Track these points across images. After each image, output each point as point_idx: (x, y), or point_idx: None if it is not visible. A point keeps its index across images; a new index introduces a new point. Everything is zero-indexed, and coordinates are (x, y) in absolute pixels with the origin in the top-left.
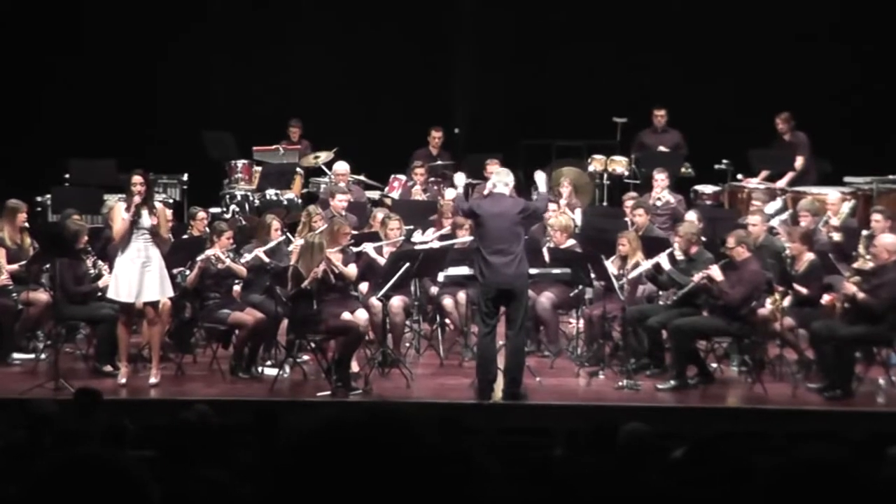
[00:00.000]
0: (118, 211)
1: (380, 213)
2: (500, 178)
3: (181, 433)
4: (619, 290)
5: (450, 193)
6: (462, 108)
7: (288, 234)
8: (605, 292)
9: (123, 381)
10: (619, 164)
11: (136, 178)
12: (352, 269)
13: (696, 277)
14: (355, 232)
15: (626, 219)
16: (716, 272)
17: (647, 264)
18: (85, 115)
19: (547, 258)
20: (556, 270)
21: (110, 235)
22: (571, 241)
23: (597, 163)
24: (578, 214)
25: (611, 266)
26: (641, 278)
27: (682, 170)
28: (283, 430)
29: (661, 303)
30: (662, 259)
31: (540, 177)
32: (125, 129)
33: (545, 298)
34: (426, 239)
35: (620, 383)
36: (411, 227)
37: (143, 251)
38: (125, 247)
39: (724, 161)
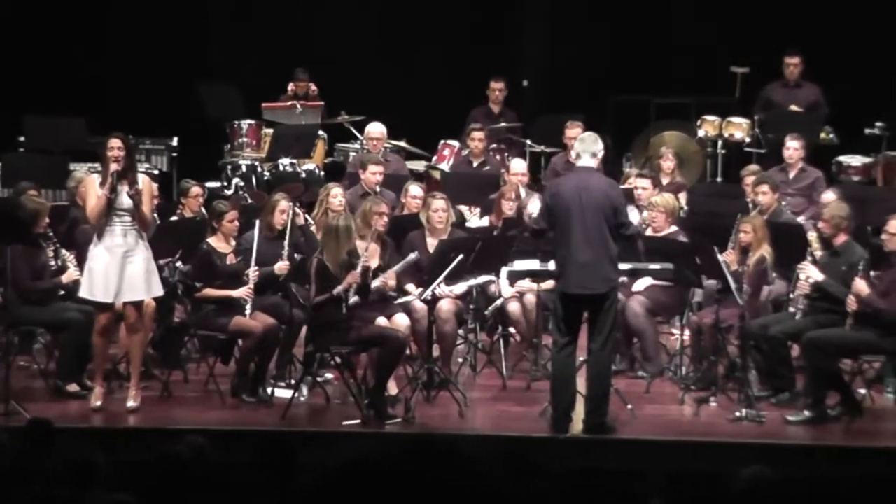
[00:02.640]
0: (90, 185)
1: (412, 187)
2: (585, 147)
3: (167, 472)
4: (737, 293)
5: (517, 164)
6: (533, 54)
7: (307, 215)
8: (718, 295)
9: (98, 403)
10: (738, 128)
11: (114, 143)
12: (390, 272)
13: (850, 300)
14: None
15: (747, 199)
16: (861, 286)
17: (810, 272)
18: (45, 60)
19: (642, 250)
20: (655, 266)
21: (78, 216)
22: (674, 228)
23: (708, 126)
24: (684, 194)
25: (726, 261)
26: (769, 277)
27: (822, 135)
28: (300, 471)
29: (791, 309)
30: (814, 272)
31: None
32: (97, 79)
33: (638, 303)
34: (483, 223)
35: (738, 413)
36: (465, 207)
37: (125, 238)
38: (102, 232)
39: (878, 124)
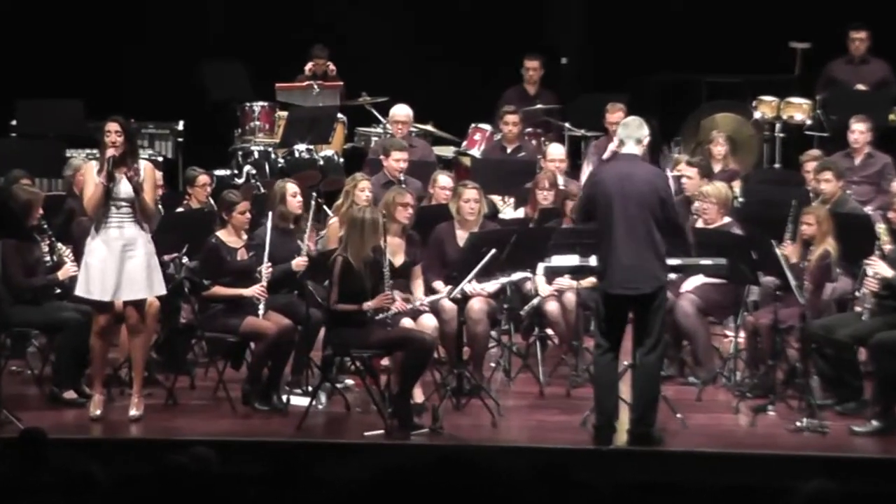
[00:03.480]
0: (88, 173)
1: (441, 177)
2: (629, 132)
3: (171, 486)
4: (797, 290)
5: (554, 150)
6: (571, 29)
7: (324, 205)
8: (776, 293)
9: (98, 412)
10: (798, 110)
11: (111, 126)
12: (418, 277)
13: None
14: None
15: (808, 187)
16: None
17: (879, 268)
18: (39, 38)
19: (693, 243)
20: (706, 261)
21: (75, 207)
22: (727, 220)
23: (765, 107)
24: (738, 182)
25: (785, 255)
26: (833, 274)
27: (891, 116)
28: (317, 486)
29: (857, 309)
30: (882, 268)
31: None
32: (95, 58)
33: (689, 302)
34: (518, 215)
35: (799, 423)
36: (498, 197)
37: (123, 231)
38: (99, 224)
39: None
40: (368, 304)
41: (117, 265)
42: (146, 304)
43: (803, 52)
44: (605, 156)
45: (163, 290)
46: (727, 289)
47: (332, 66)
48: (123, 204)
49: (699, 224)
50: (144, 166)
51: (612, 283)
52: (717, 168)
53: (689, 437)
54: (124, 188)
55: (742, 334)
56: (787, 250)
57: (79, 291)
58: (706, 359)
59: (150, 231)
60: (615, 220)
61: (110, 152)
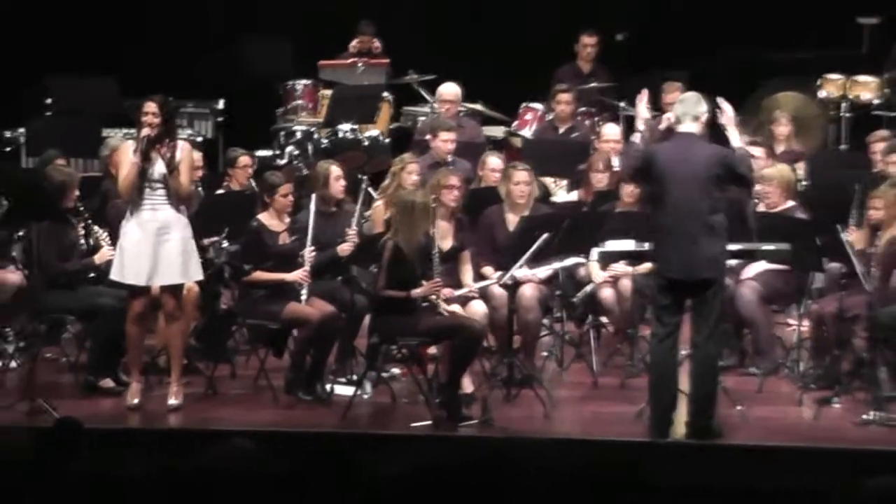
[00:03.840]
0: (124, 154)
1: (491, 159)
2: (686, 109)
3: (212, 479)
4: (864, 278)
5: (609, 130)
6: (627, 3)
7: (370, 188)
8: (842, 280)
9: (135, 401)
10: (866, 88)
11: (149, 107)
12: (466, 263)
13: None
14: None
15: (876, 169)
16: None
17: None
18: (71, 13)
19: (754, 228)
20: (769, 247)
21: (111, 189)
22: (791, 204)
23: (831, 86)
24: (802, 164)
25: (851, 240)
26: None
27: None
28: (363, 477)
29: None
30: None
31: (730, 126)
32: (131, 33)
33: (750, 289)
34: (571, 198)
35: (866, 416)
36: (550, 179)
37: (158, 213)
38: (134, 206)
39: None
40: (417, 292)
41: (152, 249)
42: (183, 290)
43: (872, 27)
44: (661, 126)
45: (200, 276)
46: (790, 276)
47: (377, 43)
48: (158, 185)
49: (761, 208)
50: (182, 146)
51: (668, 267)
52: (779, 149)
53: (750, 431)
54: (159, 169)
55: (806, 323)
56: (853, 235)
57: (113, 276)
58: (768, 348)
59: (189, 213)
60: (670, 202)
61: (145, 132)
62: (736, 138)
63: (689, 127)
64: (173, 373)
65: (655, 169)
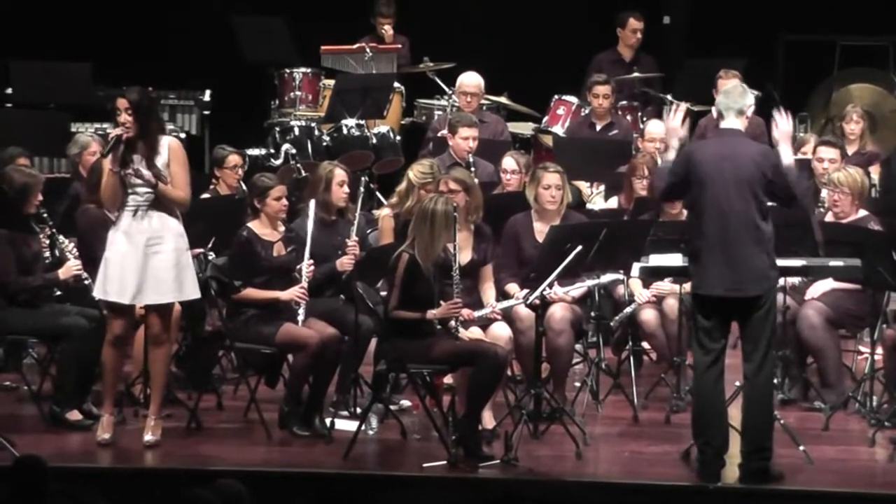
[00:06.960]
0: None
1: (507, 160)
2: (730, 102)
3: None
4: None
5: (654, 127)
6: None
7: (379, 194)
8: None
9: (106, 436)
10: None
11: (120, 104)
12: (488, 279)
13: None
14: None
15: None
16: None
17: None
18: None
19: (819, 239)
20: (836, 262)
21: (80, 193)
22: (863, 213)
23: None
24: (876, 167)
25: None
26: None
27: None
28: None
29: None
30: None
31: (784, 141)
32: (105, 14)
33: (816, 312)
34: (610, 205)
35: None
36: (585, 183)
37: (144, 223)
38: (119, 214)
39: None
40: (433, 313)
41: (139, 262)
42: (170, 310)
43: None
44: (671, 120)
45: (196, 294)
46: (862, 296)
47: (388, 27)
48: (145, 190)
49: (829, 218)
50: (168, 144)
51: (708, 283)
52: (851, 150)
53: (815, 474)
54: (145, 172)
55: (880, 350)
56: None
57: (97, 293)
58: (836, 380)
59: (181, 217)
60: (710, 209)
61: (117, 132)
62: (788, 155)
63: (733, 123)
64: (152, 404)
65: (694, 170)
